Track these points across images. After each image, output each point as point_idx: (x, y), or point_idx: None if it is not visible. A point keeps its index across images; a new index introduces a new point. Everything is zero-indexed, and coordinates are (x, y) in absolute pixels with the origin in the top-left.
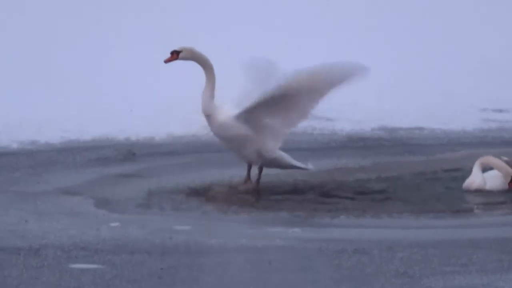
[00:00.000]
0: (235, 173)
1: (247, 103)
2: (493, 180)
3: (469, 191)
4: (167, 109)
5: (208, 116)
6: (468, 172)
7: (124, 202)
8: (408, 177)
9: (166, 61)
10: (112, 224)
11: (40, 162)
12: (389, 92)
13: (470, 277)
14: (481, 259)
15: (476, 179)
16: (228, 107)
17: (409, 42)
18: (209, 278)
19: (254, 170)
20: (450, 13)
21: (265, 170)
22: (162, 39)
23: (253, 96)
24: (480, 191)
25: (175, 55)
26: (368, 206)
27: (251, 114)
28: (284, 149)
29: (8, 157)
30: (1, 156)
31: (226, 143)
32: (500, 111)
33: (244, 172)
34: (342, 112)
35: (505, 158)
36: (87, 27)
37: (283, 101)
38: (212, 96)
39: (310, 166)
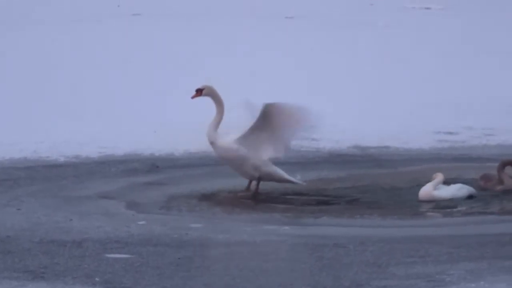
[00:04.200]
0: (238, 183)
1: (244, 130)
2: (442, 191)
3: (423, 199)
4: (184, 131)
5: (212, 143)
6: (424, 183)
7: (149, 204)
8: (377, 186)
9: (193, 97)
10: (140, 222)
11: (82, 173)
12: (362, 118)
13: (426, 266)
14: (435, 252)
15: (428, 190)
16: (232, 135)
17: (378, 81)
18: (217, 266)
19: (254, 182)
20: (415, 59)
21: (262, 182)
22: (185, 78)
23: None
24: (432, 199)
25: (200, 92)
26: (345, 209)
27: (247, 138)
28: (277, 163)
29: (57, 168)
30: (51, 168)
31: (228, 163)
32: (450, 133)
33: (244, 183)
34: (324, 134)
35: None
36: (117, 63)
37: (268, 128)
38: (216, 127)
39: (301, 181)
